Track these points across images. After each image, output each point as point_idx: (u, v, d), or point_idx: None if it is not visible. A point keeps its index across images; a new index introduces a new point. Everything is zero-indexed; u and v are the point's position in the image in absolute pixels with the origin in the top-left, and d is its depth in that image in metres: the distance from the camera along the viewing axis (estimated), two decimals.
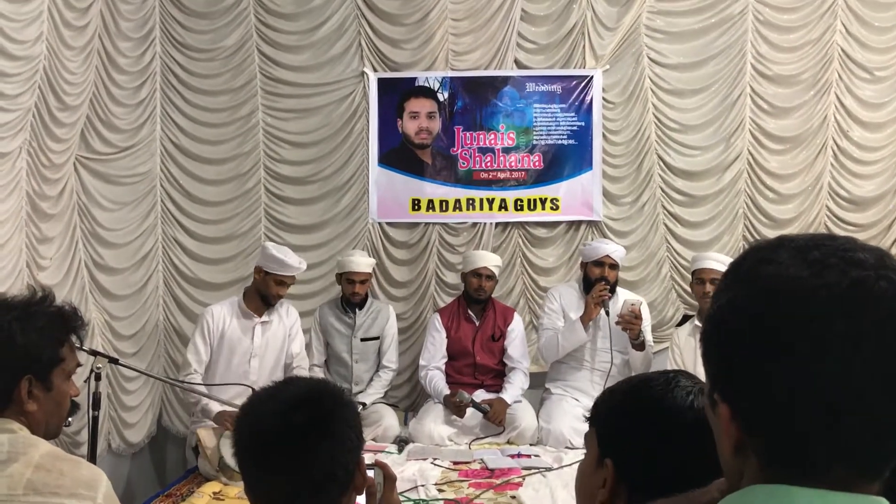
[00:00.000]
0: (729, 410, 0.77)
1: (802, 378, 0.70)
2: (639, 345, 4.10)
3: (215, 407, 3.69)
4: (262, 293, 4.04)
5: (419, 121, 4.80)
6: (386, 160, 4.81)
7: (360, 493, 1.48)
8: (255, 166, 4.82)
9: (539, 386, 4.47)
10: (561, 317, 4.30)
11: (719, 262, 3.98)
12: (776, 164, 4.77)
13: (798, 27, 4.70)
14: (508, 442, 4.01)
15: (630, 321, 4.01)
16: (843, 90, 4.72)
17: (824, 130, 4.74)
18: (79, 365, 1.66)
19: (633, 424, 1.22)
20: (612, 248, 4.23)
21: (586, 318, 4.13)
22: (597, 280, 4.15)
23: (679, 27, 4.73)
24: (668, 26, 4.74)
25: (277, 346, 4.12)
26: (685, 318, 4.76)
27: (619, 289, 4.32)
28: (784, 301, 0.71)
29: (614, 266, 4.22)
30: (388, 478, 1.67)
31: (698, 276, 4.11)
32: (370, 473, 1.65)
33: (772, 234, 4.75)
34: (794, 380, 0.71)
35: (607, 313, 4.13)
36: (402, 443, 3.98)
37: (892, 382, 0.70)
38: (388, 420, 4.10)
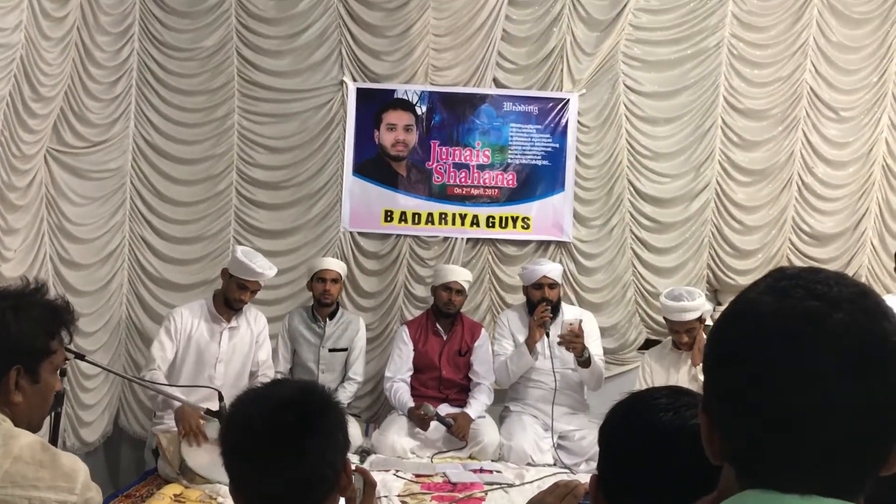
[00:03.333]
0: (707, 419, 0.84)
1: (753, 390, 0.78)
2: (584, 362, 4.13)
3: (178, 404, 3.63)
4: (226, 298, 4.00)
5: (396, 133, 4.82)
6: (361, 170, 4.81)
7: (345, 495, 1.49)
8: (228, 168, 4.79)
9: (500, 403, 4.49)
10: (511, 341, 4.33)
11: (690, 311, 3.94)
12: (743, 195, 4.88)
13: (770, 63, 4.84)
14: (471, 457, 4.01)
15: (570, 340, 4.04)
16: (810, 127, 4.87)
17: (790, 165, 4.87)
18: (66, 360, 1.64)
19: (610, 439, 1.26)
20: (549, 268, 4.28)
21: (531, 342, 4.16)
22: (538, 302, 4.19)
23: (656, 56, 4.83)
24: (645, 55, 4.84)
25: (244, 352, 4.08)
26: (648, 342, 4.83)
27: (565, 306, 4.38)
28: (745, 321, 0.81)
29: (554, 285, 4.26)
30: (369, 483, 1.68)
31: (672, 327, 4.04)
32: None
33: (735, 263, 4.87)
34: (746, 391, 0.78)
35: (547, 335, 4.15)
36: (363, 453, 3.97)
37: (833, 408, 0.75)
38: (352, 430, 4.03)
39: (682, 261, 4.90)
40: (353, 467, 1.69)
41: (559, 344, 4.09)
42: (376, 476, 3.49)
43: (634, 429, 1.24)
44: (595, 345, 4.27)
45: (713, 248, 4.91)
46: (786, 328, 0.76)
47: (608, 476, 1.26)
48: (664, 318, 4.16)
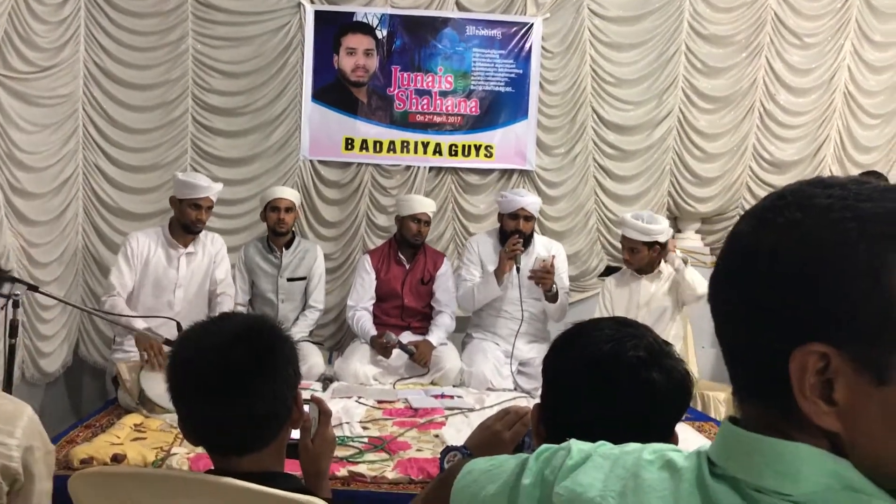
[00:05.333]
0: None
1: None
2: (551, 297, 4.16)
3: (139, 325, 3.60)
4: (183, 223, 3.94)
5: (356, 58, 4.71)
6: (320, 96, 4.71)
7: (297, 428, 1.49)
8: (183, 94, 4.66)
9: (462, 330, 4.53)
10: (479, 267, 4.33)
11: (641, 231, 3.93)
12: (705, 122, 4.88)
13: None
14: (432, 383, 4.06)
15: (541, 276, 4.06)
16: (774, 54, 4.84)
17: (753, 92, 4.86)
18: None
19: (552, 368, 1.27)
20: (528, 201, 4.23)
21: (500, 272, 4.17)
22: (512, 233, 4.18)
23: None
24: None
25: (202, 277, 4.05)
26: (609, 269, 4.88)
27: (537, 237, 4.38)
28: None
29: (529, 218, 4.24)
30: (324, 413, 1.67)
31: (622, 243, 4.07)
32: (305, 409, 1.65)
33: (696, 191, 4.89)
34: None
35: (518, 269, 4.16)
36: (326, 381, 3.99)
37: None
38: (314, 358, 4.10)
39: (643, 188, 4.92)
40: (308, 396, 1.70)
41: (530, 279, 4.10)
42: (338, 403, 3.57)
43: (576, 358, 1.25)
44: (563, 277, 4.29)
45: (674, 176, 4.92)
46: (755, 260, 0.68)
47: (549, 405, 1.27)
48: (622, 235, 4.17)
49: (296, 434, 1.57)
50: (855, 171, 4.78)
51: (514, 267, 4.15)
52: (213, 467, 1.37)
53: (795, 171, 4.93)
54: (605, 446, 0.83)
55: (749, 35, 4.81)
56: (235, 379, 1.31)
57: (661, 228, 3.92)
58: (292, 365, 1.40)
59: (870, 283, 0.61)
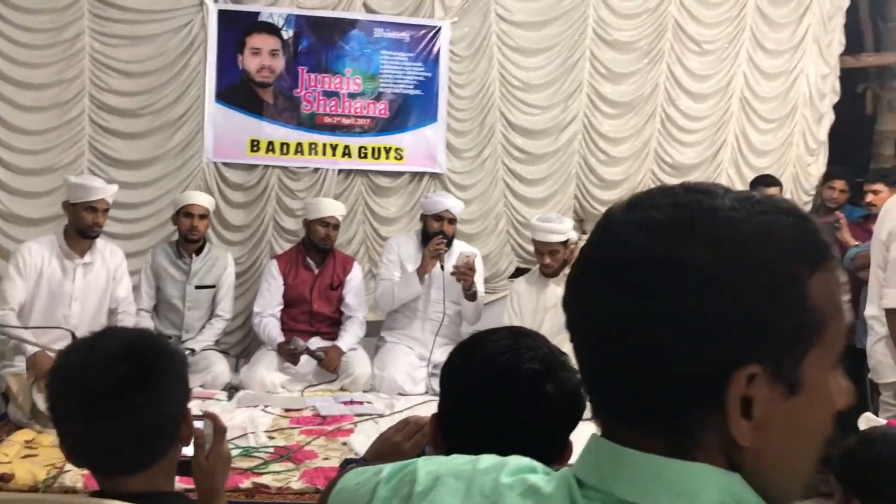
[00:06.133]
0: None
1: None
2: (471, 295, 4.20)
3: (31, 348, 3.43)
4: (79, 228, 3.77)
5: (261, 58, 4.61)
6: (224, 97, 4.60)
7: (187, 444, 1.44)
8: (80, 94, 4.47)
9: (375, 334, 4.50)
10: (398, 267, 4.32)
11: (556, 233, 4.02)
12: (609, 127, 4.99)
13: None
14: (342, 389, 4.02)
15: (464, 272, 4.10)
16: (675, 60, 4.99)
17: (655, 97, 5.00)
18: None
19: (449, 379, 1.27)
20: (452, 203, 4.28)
21: (422, 271, 4.18)
22: (435, 233, 4.20)
23: None
24: None
25: (100, 289, 3.88)
26: (518, 271, 4.94)
27: (455, 241, 4.40)
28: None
29: (453, 220, 4.28)
30: (218, 429, 1.63)
31: (538, 248, 4.11)
32: (199, 424, 1.61)
33: (601, 194, 5.00)
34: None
35: (442, 267, 4.19)
36: (232, 390, 3.90)
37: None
38: (219, 367, 4.00)
39: (551, 191, 4.99)
40: (201, 412, 1.65)
41: (452, 275, 4.12)
42: (244, 412, 3.49)
43: (473, 369, 1.25)
44: (479, 281, 4.33)
45: (580, 179, 5.02)
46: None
47: (446, 415, 1.27)
48: (533, 240, 4.24)
49: (190, 450, 1.52)
50: (751, 175, 4.96)
51: (440, 266, 4.16)
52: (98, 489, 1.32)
53: (695, 174, 5.09)
54: (455, 462, 0.78)
55: (651, 41, 4.94)
56: (118, 396, 1.26)
57: (570, 225, 4.09)
58: (181, 380, 1.36)
59: (789, 298, 0.62)
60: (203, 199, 4.20)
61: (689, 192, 0.66)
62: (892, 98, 5.56)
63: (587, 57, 4.89)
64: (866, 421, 2.24)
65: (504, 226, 5.00)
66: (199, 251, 4.22)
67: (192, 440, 1.44)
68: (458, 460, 0.78)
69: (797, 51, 5.12)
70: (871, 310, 3.49)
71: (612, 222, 0.67)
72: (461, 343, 1.35)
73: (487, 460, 0.76)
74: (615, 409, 0.68)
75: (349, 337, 4.21)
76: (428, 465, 0.78)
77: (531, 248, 4.53)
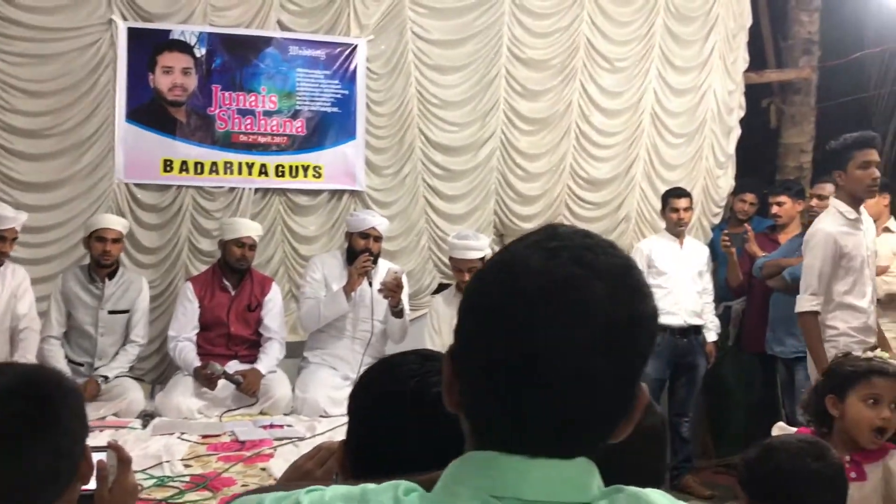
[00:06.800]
0: (450, 363, 0.82)
1: (500, 344, 0.76)
2: (398, 312, 4.21)
3: None
4: None
5: (173, 76, 4.52)
6: (135, 116, 4.48)
7: (86, 483, 1.40)
8: None
9: (296, 355, 4.44)
10: (323, 286, 4.29)
11: (474, 249, 4.08)
12: (526, 143, 5.06)
13: (550, 14, 5.00)
14: (262, 413, 3.95)
15: (392, 288, 4.10)
16: (587, 77, 5.10)
17: (569, 114, 5.10)
18: None
19: (357, 405, 1.26)
20: (378, 221, 4.29)
21: (349, 289, 4.16)
22: (361, 251, 4.18)
23: (442, 3, 4.84)
24: (432, 2, 4.82)
25: (1, 312, 3.75)
26: (441, 287, 4.96)
27: (381, 260, 4.39)
28: (509, 273, 0.79)
29: (378, 238, 4.27)
30: (123, 460, 1.59)
31: (456, 265, 4.17)
32: (102, 456, 1.56)
33: (519, 209, 5.07)
34: (493, 344, 0.77)
35: (370, 284, 4.18)
36: (147, 417, 3.79)
37: (575, 376, 0.75)
38: (133, 394, 3.88)
39: (471, 207, 5.03)
40: (105, 443, 1.60)
41: (380, 292, 4.11)
42: (159, 440, 3.39)
43: (380, 395, 1.24)
44: (405, 299, 4.32)
45: (499, 195, 5.07)
46: (546, 289, 0.74)
47: (354, 441, 1.26)
48: (450, 258, 4.27)
49: (94, 484, 1.48)
50: (663, 188, 5.09)
51: (368, 282, 4.15)
52: None
53: (609, 189, 5.21)
54: (342, 488, 0.79)
55: (564, 59, 5.04)
56: (11, 436, 1.21)
57: (486, 242, 4.19)
58: (78, 417, 1.31)
59: None
60: (116, 223, 4.09)
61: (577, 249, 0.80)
62: (794, 112, 5.82)
63: (503, 75, 4.96)
64: (779, 429, 2.31)
65: (426, 242, 5.01)
66: (111, 275, 4.10)
67: (95, 473, 1.40)
68: (346, 487, 0.80)
69: (704, 68, 5.31)
70: None
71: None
72: (368, 369, 1.34)
73: (379, 484, 0.79)
74: (542, 445, 0.76)
75: (268, 359, 4.14)
76: (312, 495, 0.79)
77: None
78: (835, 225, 3.53)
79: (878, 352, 2.47)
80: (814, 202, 4.52)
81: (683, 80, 5.28)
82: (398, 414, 1.20)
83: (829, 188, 4.41)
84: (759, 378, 4.87)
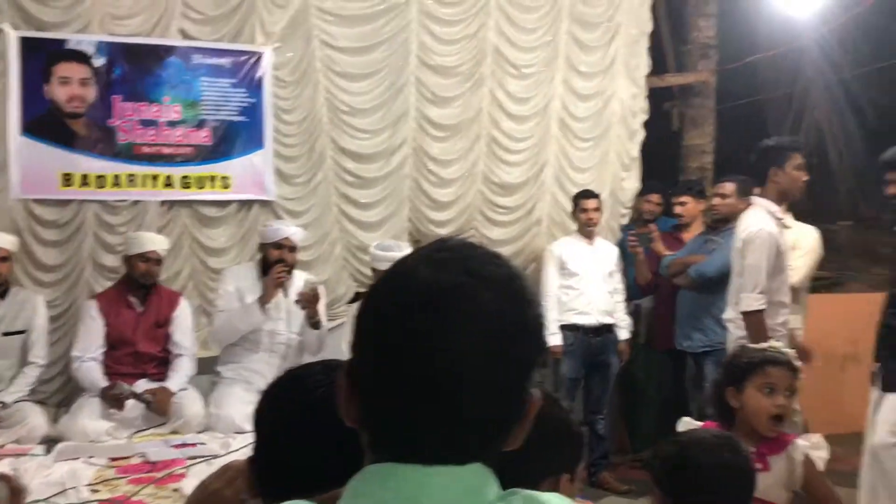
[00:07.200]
0: (347, 379, 0.82)
1: (393, 356, 0.77)
2: (315, 324, 4.17)
3: None
4: None
5: (70, 87, 4.35)
6: (31, 129, 4.29)
7: None
8: None
9: (208, 371, 4.33)
10: (236, 298, 4.21)
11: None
12: (438, 150, 5.08)
13: (458, 21, 5.03)
14: (173, 432, 3.83)
15: (310, 299, 4.06)
16: (496, 84, 5.16)
17: (479, 120, 5.14)
18: None
19: (262, 420, 1.24)
20: (292, 231, 4.24)
21: (264, 300, 4.09)
22: (275, 262, 4.12)
23: (348, 11, 4.81)
24: (338, 9, 4.79)
25: None
26: (357, 296, 4.93)
27: (296, 271, 4.33)
28: (399, 287, 0.81)
29: (293, 248, 4.22)
30: (15, 491, 1.52)
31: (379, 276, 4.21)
32: None
33: (434, 215, 5.09)
34: (387, 357, 0.78)
35: (285, 295, 4.13)
36: (50, 442, 3.63)
37: (466, 384, 0.76)
38: (34, 419, 3.72)
39: (385, 215, 5.01)
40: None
41: (297, 303, 4.07)
42: (63, 466, 3.25)
43: (287, 409, 1.23)
44: (322, 310, 4.27)
45: (413, 202, 5.08)
46: (435, 298, 0.76)
47: (264, 459, 1.23)
48: (372, 268, 4.25)
49: None
50: (573, 190, 5.18)
51: (284, 293, 4.10)
52: None
53: (521, 193, 5.28)
54: None
55: (472, 66, 5.08)
56: None
57: (409, 251, 4.11)
58: None
59: None
60: (4, 241, 3.91)
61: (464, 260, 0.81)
62: (694, 114, 6.03)
63: (413, 81, 4.97)
64: (685, 424, 2.36)
65: (340, 251, 4.96)
66: (2, 295, 3.92)
67: None
68: None
69: (608, 73, 5.43)
70: (729, 313, 3.75)
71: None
72: (273, 383, 1.32)
73: None
74: (443, 453, 0.77)
75: (179, 376, 4.03)
76: None
77: (369, 272, 4.55)
78: (771, 224, 3.67)
79: (772, 342, 2.57)
80: (715, 201, 4.68)
81: (588, 86, 5.39)
82: (306, 425, 1.18)
83: (729, 187, 4.58)
84: (670, 374, 5.01)
